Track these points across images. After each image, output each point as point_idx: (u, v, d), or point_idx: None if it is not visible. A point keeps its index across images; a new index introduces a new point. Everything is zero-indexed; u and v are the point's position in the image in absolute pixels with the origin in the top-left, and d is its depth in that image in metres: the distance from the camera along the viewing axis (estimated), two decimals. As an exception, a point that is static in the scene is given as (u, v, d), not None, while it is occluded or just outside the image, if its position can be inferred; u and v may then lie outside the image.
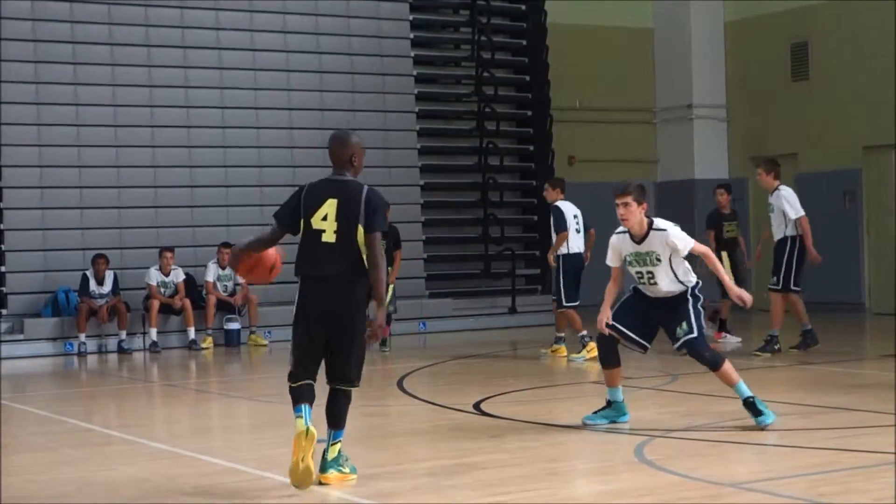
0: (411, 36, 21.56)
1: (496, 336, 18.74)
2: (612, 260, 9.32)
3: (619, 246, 9.25)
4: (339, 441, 7.59)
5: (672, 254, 9.08)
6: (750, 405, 9.19)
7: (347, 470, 7.62)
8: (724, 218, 16.79)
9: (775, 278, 14.44)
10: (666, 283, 9.15)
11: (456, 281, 20.60)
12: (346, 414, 7.63)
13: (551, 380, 13.28)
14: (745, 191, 23.30)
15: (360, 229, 7.45)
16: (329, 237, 7.52)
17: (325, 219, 7.54)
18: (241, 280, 18.09)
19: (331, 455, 7.54)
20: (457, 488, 7.56)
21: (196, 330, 17.69)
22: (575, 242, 14.50)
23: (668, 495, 7.09)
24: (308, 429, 7.30)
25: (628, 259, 9.22)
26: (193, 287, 18.21)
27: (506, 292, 20.89)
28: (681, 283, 9.16)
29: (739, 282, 15.18)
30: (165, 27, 19.59)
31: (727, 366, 9.20)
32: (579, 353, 14.45)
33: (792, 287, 14.40)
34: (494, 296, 20.91)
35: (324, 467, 7.53)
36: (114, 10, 19.14)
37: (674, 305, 9.18)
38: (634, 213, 9.02)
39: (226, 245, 18.20)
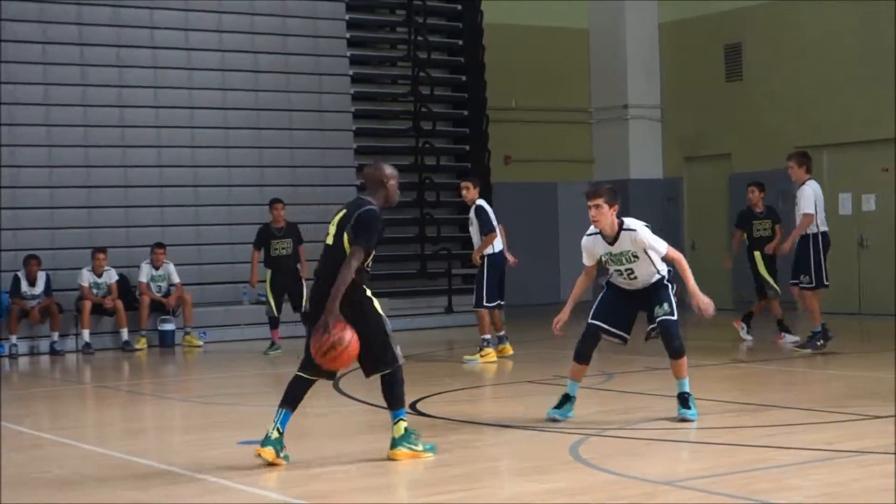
0: (347, 35, 21.50)
1: (433, 336, 18.73)
2: (586, 260, 9.60)
3: (591, 247, 9.50)
4: (402, 419, 8.12)
5: (646, 250, 9.34)
6: (684, 399, 9.45)
7: (420, 447, 8.13)
8: (755, 216, 16.28)
9: (806, 277, 14.20)
10: (645, 276, 9.45)
11: (392, 281, 20.55)
12: (399, 394, 8.14)
13: (488, 380, 13.29)
14: (679, 190, 23.47)
15: (345, 237, 8.04)
16: (329, 240, 8.19)
17: (332, 225, 8.24)
18: (175, 280, 17.95)
19: (396, 433, 8.09)
20: (394, 488, 7.53)
21: (129, 331, 17.51)
22: (498, 241, 14.48)
23: (604, 494, 7.10)
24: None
25: (604, 259, 9.46)
26: (127, 288, 18.04)
27: (442, 292, 20.88)
28: (658, 273, 9.47)
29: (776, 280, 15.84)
30: (98, 26, 19.39)
31: (685, 359, 9.49)
32: (473, 355, 14.38)
33: (824, 283, 14.23)
34: (431, 296, 20.88)
35: (392, 445, 8.11)
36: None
37: (653, 290, 9.49)
38: (605, 214, 9.27)
39: (159, 245, 18.07)
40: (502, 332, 14.76)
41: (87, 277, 17.52)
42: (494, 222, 14.46)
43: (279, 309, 16.63)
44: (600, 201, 9.24)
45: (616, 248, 9.35)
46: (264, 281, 16.79)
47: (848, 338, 15.55)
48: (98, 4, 19.32)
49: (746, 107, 22.09)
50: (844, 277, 19.42)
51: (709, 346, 15.02)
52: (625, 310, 9.58)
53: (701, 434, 9.04)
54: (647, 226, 9.45)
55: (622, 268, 9.41)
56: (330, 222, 8.23)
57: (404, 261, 21.25)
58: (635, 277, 9.45)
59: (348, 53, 21.45)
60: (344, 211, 8.21)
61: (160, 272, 17.97)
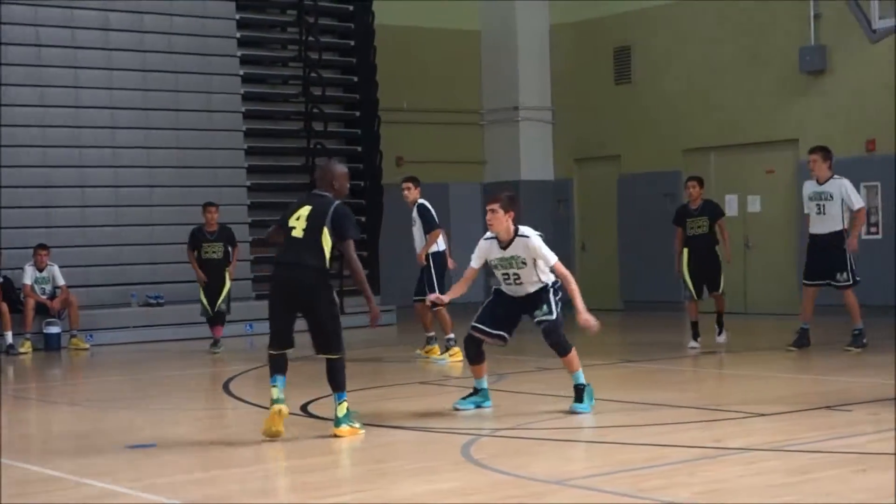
0: (238, 35, 21.31)
1: (350, 336, 18.59)
2: (475, 262, 9.93)
3: (486, 250, 9.86)
4: (344, 401, 8.98)
5: (536, 258, 9.67)
6: (579, 391, 9.76)
7: (358, 425, 9.01)
8: (689, 213, 15.23)
9: (845, 274, 13.82)
10: (529, 283, 9.79)
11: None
12: (341, 378, 9.03)
13: (380, 380, 13.24)
14: (569, 192, 23.65)
15: (326, 231, 8.99)
16: (297, 233, 9.06)
17: (297, 219, 9.10)
18: (60, 283, 17.64)
19: (340, 412, 8.95)
20: (283, 491, 7.46)
21: (14, 334, 17.15)
22: (441, 240, 14.51)
23: (495, 494, 7.11)
24: (280, 408, 8.86)
25: (494, 263, 9.83)
26: (11, 290, 17.67)
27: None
28: (542, 282, 9.78)
29: (708, 281, 15.02)
30: (18, 24, 19.12)
31: (573, 353, 9.85)
32: (441, 355, 14.41)
33: (857, 279, 13.91)
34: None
35: (336, 423, 8.96)
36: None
37: (536, 296, 9.83)
38: (500, 220, 9.68)
39: (42, 247, 17.73)
40: (431, 333, 14.72)
41: (-31, 280, 17.16)
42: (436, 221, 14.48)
43: (214, 308, 16.68)
44: (496, 206, 9.68)
45: (507, 253, 9.71)
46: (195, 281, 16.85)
47: (736, 337, 15.76)
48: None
49: (635, 109, 22.34)
50: (730, 278, 19.72)
51: (599, 346, 15.13)
52: (507, 312, 9.94)
53: (591, 433, 9.11)
54: (540, 235, 9.82)
55: (510, 272, 9.78)
56: (289, 216, 9.12)
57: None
58: (521, 283, 9.80)
59: (238, 53, 21.26)
60: (309, 207, 9.10)
61: (44, 274, 17.65)
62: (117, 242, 19.42)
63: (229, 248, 16.89)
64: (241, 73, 21.24)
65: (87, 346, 17.47)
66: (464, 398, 10.21)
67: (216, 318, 16.76)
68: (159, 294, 19.07)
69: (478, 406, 10.15)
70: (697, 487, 7.08)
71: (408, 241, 15.00)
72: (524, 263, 9.69)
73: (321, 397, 11.20)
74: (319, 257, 9.00)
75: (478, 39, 24.40)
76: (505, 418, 9.83)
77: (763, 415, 9.61)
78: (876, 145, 18.87)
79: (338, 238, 9.06)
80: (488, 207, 9.72)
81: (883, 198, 18.77)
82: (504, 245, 9.73)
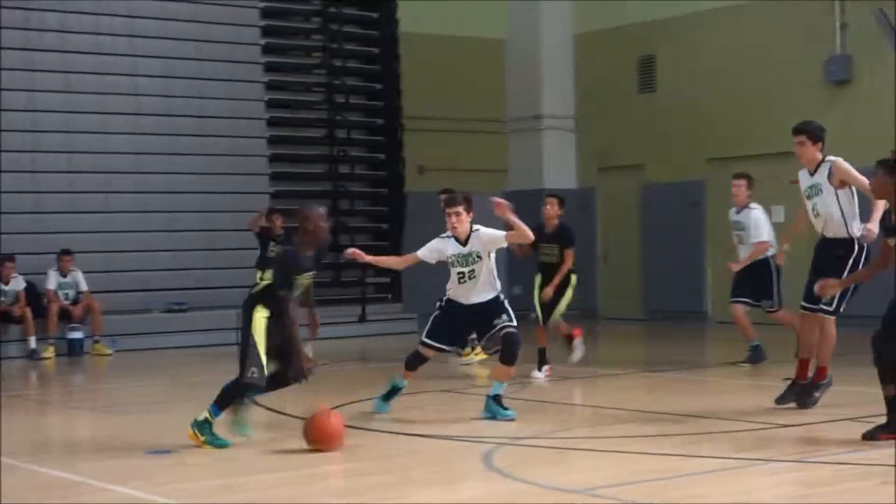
0: (262, 42, 21.37)
1: (347, 345, 18.64)
2: (425, 253, 10.44)
3: (442, 248, 10.34)
4: (214, 414, 9.05)
5: (489, 245, 10.20)
6: (499, 400, 10.21)
7: (204, 438, 9.00)
8: (542, 237, 13.15)
9: (769, 302, 13.82)
10: (483, 283, 10.24)
11: (306, 289, 20.40)
12: (229, 399, 9.07)
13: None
14: (592, 201, 23.61)
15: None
16: None
17: None
18: (83, 288, 17.72)
19: (200, 417, 9.04)
20: (306, 498, 7.47)
21: (37, 339, 17.22)
22: None
23: (517, 503, 7.10)
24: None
25: (452, 260, 10.29)
26: (34, 295, 17.73)
27: (356, 301, 20.80)
28: (494, 286, 10.28)
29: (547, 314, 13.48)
30: (48, 31, 19.24)
31: (513, 371, 10.36)
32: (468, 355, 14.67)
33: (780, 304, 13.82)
34: (345, 304, 20.78)
35: (191, 425, 9.06)
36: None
37: (488, 307, 10.26)
38: (464, 221, 10.27)
39: (66, 252, 17.80)
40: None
41: (-7, 286, 17.25)
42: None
43: None
44: (460, 209, 10.28)
45: (466, 249, 10.25)
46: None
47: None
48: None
49: (659, 118, 22.30)
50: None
51: (621, 356, 15.11)
52: (456, 325, 10.40)
53: (613, 443, 9.08)
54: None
55: (465, 269, 10.23)
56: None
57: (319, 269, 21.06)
58: (475, 277, 10.22)
59: (263, 60, 21.32)
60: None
61: (68, 279, 17.72)
62: (141, 248, 19.48)
63: None
64: (266, 79, 21.29)
65: (111, 351, 17.51)
66: (383, 399, 10.66)
67: None
68: (182, 300, 19.11)
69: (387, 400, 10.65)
70: (719, 498, 7.06)
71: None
72: (479, 258, 10.20)
73: (348, 403, 11.23)
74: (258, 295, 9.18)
75: (502, 48, 24.40)
76: (528, 427, 9.82)
77: (785, 426, 9.56)
78: (901, 156, 18.78)
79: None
80: (451, 210, 10.26)
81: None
82: (463, 242, 10.26)
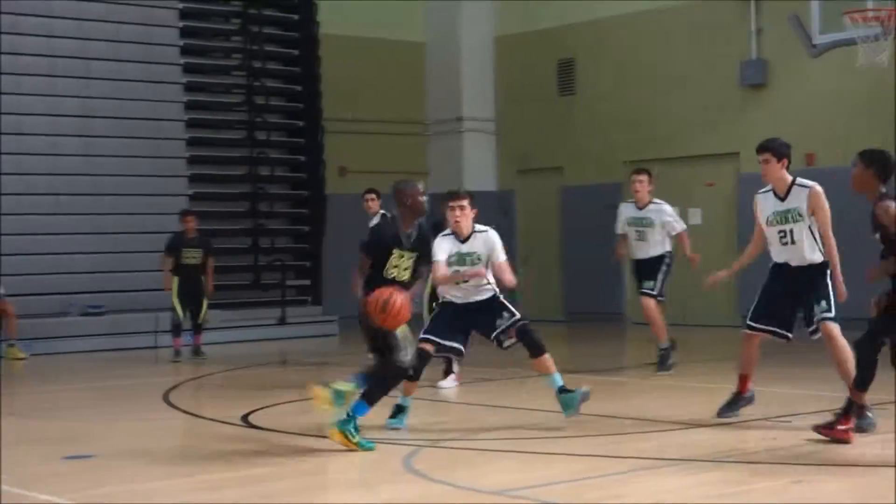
0: (181, 43, 21.22)
1: (266, 347, 18.57)
2: (441, 255, 9.82)
3: (446, 247, 9.82)
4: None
5: (491, 253, 9.83)
6: (564, 390, 9.78)
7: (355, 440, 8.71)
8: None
9: (651, 283, 13.80)
10: (481, 284, 9.82)
11: (225, 292, 20.27)
12: (377, 387, 8.91)
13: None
14: (512, 203, 23.70)
15: None
16: None
17: None
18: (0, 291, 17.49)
19: (342, 417, 8.75)
20: (224, 499, 7.43)
21: (-50, 344, 16.96)
22: None
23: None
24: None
25: (452, 259, 9.82)
26: (-53, 300, 17.45)
27: (276, 303, 20.72)
28: (491, 286, 9.87)
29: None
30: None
31: (548, 356, 9.80)
32: None
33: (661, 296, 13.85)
34: (264, 307, 20.70)
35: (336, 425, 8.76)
36: None
37: (487, 306, 9.84)
38: (468, 216, 9.84)
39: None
40: None
41: None
42: None
43: (185, 312, 16.66)
44: (464, 202, 9.83)
45: (465, 248, 9.83)
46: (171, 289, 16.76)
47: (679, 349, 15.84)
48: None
49: (578, 121, 22.46)
50: (670, 288, 19.84)
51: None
52: (459, 324, 9.85)
53: (533, 444, 9.13)
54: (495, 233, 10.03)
55: (462, 269, 9.79)
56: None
57: (238, 272, 21.00)
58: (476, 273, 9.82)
59: (182, 61, 21.16)
60: None
61: (-19, 283, 17.46)
62: (58, 251, 19.24)
63: (208, 256, 16.89)
64: (185, 81, 21.14)
65: (25, 355, 17.25)
66: (392, 417, 9.83)
67: (198, 326, 16.75)
68: (100, 304, 18.89)
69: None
70: (639, 498, 7.13)
71: (350, 251, 14.95)
72: (479, 259, 9.82)
73: (262, 407, 11.18)
74: None
75: (423, 50, 24.43)
76: (449, 429, 9.84)
77: (704, 426, 9.68)
78: (815, 160, 19.07)
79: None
80: (455, 204, 9.81)
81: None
82: (463, 239, 9.87)
